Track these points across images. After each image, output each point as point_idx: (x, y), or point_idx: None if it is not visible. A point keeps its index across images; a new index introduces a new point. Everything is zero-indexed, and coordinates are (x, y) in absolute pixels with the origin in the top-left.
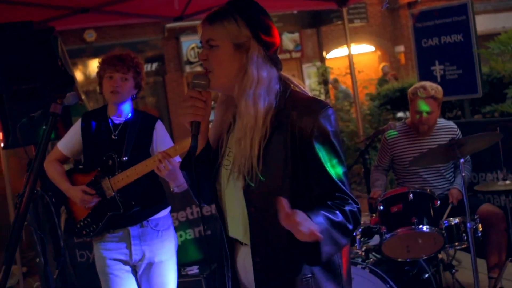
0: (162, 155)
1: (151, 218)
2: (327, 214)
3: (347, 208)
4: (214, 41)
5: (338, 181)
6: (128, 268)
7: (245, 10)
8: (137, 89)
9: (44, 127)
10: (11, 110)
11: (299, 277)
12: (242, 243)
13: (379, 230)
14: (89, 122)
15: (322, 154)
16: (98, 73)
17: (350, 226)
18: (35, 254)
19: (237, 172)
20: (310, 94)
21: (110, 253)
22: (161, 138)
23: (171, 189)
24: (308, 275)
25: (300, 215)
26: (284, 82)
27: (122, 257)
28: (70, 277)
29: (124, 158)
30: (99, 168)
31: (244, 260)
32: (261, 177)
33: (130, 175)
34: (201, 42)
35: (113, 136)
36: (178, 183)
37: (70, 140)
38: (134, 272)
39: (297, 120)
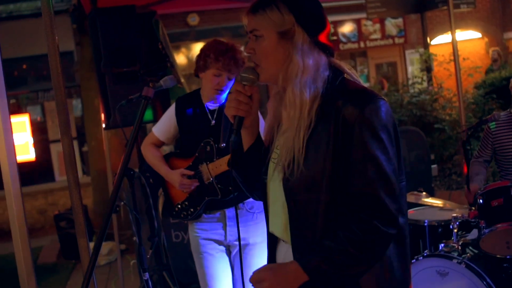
0: None
1: (246, 200)
2: (325, 253)
3: (361, 227)
4: (258, 31)
5: (375, 184)
6: (222, 248)
7: None
8: None
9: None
10: (113, 92)
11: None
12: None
13: (477, 224)
14: (184, 108)
15: (364, 150)
16: (204, 58)
17: (357, 251)
18: (133, 233)
19: (280, 165)
20: (362, 83)
21: (205, 233)
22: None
23: None
24: None
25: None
26: (335, 69)
27: (217, 237)
28: (164, 257)
29: (222, 145)
30: (197, 154)
31: (284, 257)
32: (303, 169)
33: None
34: (246, 32)
35: (212, 123)
36: None
37: (165, 125)
38: (228, 253)
39: (342, 110)
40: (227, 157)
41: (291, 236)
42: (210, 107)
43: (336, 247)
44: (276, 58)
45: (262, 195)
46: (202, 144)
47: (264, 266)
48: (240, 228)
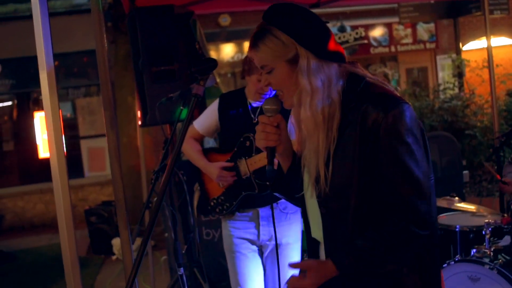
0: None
1: (280, 200)
2: (358, 248)
3: (393, 228)
4: (268, 67)
5: (405, 188)
6: (255, 248)
7: (281, 20)
8: None
9: (181, 107)
10: (150, 90)
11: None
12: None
13: (510, 230)
14: (227, 104)
15: (390, 156)
16: (249, 63)
17: (388, 249)
18: (163, 229)
19: (309, 181)
20: (387, 85)
21: (238, 232)
22: (289, 125)
23: None
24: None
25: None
26: (352, 74)
27: (250, 237)
28: (196, 253)
29: None
30: (235, 149)
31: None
32: (332, 180)
33: None
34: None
35: (253, 120)
36: None
37: (207, 120)
38: (260, 253)
39: (367, 116)
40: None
41: (324, 241)
42: (253, 105)
43: (369, 246)
44: (292, 85)
45: (303, 205)
46: (241, 139)
47: (305, 262)
48: (272, 228)
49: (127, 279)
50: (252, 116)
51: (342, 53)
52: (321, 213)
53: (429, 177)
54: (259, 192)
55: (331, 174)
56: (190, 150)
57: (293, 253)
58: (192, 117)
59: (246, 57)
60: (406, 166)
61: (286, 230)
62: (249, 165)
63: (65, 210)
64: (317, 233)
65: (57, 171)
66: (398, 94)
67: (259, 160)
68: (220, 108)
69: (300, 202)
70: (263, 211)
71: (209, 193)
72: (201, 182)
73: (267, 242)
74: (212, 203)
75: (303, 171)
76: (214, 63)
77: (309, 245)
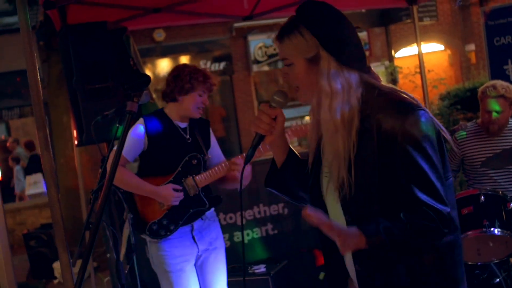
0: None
1: (208, 212)
2: (387, 226)
3: (417, 221)
4: (288, 60)
5: (421, 194)
6: (192, 261)
7: (310, 19)
8: None
9: (117, 125)
10: (85, 108)
11: (403, 283)
12: None
13: None
14: (155, 127)
15: (408, 162)
16: (191, 81)
17: (412, 241)
18: (105, 250)
19: (333, 186)
20: (400, 93)
21: (175, 250)
22: (213, 139)
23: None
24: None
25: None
26: (368, 83)
27: (189, 251)
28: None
29: (209, 157)
30: (180, 169)
31: (349, 264)
32: (355, 186)
33: (219, 172)
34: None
35: (189, 139)
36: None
37: (134, 145)
38: (195, 263)
39: (383, 124)
40: (217, 168)
41: None
42: (181, 126)
43: (398, 225)
44: (308, 83)
45: (320, 208)
46: (187, 158)
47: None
48: (206, 238)
49: None
50: (185, 135)
51: (364, 61)
52: (346, 219)
53: (446, 178)
54: (210, 206)
55: (354, 184)
56: (129, 178)
57: (223, 257)
58: (126, 134)
59: (185, 76)
60: (423, 171)
61: (214, 237)
62: (198, 182)
63: (1, 237)
64: None
65: None
66: (415, 102)
67: (210, 176)
68: (149, 131)
69: (302, 200)
70: (197, 224)
71: (146, 217)
72: (134, 208)
73: (203, 251)
74: (153, 227)
75: (310, 171)
76: (146, 78)
77: (328, 249)
